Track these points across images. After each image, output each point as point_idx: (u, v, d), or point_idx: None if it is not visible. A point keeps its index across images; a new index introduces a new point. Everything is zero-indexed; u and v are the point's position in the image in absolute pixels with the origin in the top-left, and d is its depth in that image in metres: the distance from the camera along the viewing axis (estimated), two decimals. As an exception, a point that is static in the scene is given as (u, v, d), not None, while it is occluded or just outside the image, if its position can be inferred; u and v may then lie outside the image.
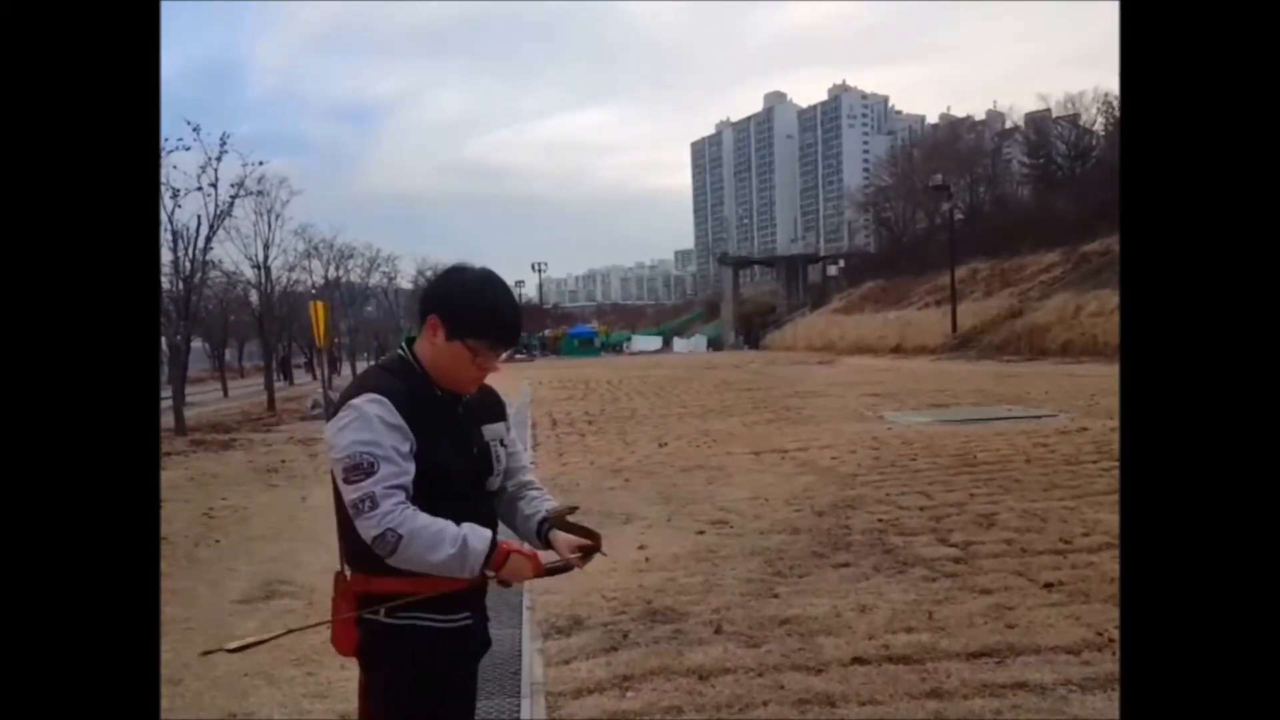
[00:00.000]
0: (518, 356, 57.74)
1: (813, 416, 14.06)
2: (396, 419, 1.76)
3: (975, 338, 35.50)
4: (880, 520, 6.42)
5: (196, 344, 22.81)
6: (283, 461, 10.89)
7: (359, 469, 1.72)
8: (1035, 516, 6.30)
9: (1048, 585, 4.66)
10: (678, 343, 67.53)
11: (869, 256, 66.17)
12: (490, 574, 1.76)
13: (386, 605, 1.80)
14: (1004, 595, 4.55)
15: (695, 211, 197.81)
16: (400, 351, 1.93)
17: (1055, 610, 4.25)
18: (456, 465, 1.86)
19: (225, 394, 25.33)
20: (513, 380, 31.13)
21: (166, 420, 14.26)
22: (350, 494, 1.72)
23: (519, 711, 3.43)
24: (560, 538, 1.98)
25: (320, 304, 4.28)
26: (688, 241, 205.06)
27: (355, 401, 1.78)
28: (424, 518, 1.72)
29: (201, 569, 6.03)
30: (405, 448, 1.76)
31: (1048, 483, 7.55)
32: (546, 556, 1.94)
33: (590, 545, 1.97)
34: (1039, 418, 12.51)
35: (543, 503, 2.05)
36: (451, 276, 1.94)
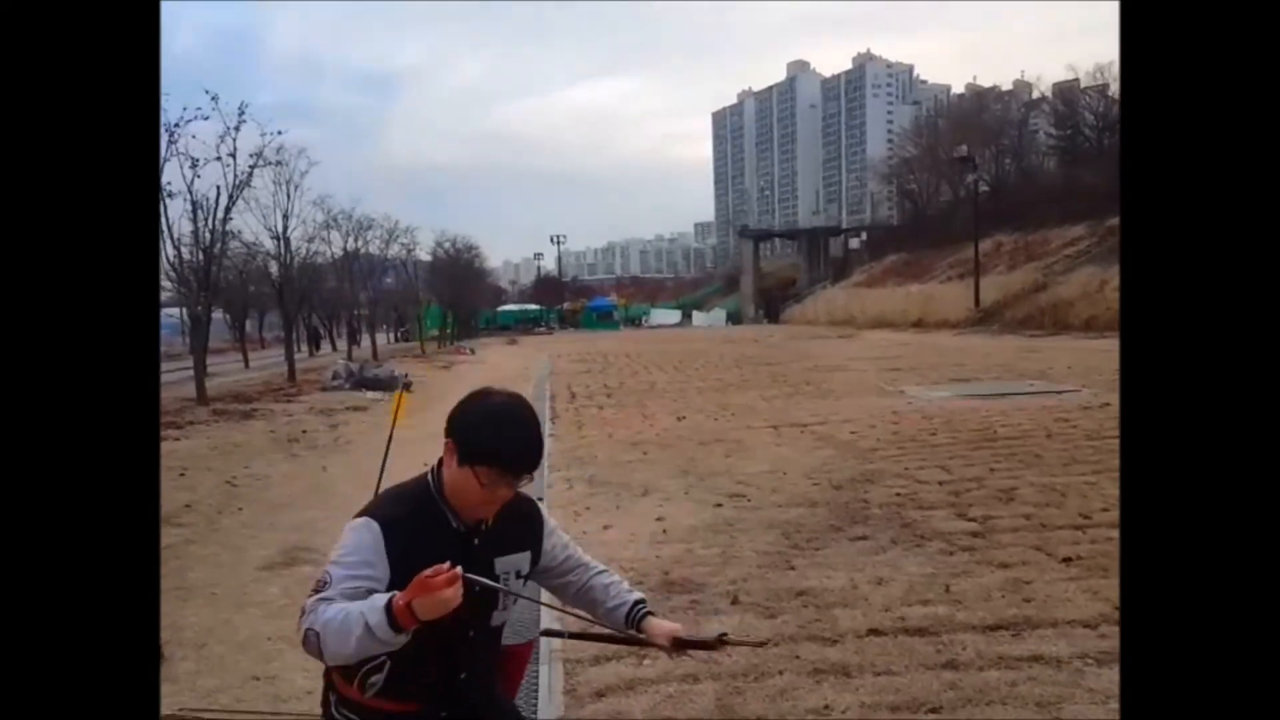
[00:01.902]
0: (537, 330, 57.97)
1: (832, 391, 14.00)
2: (375, 548, 1.77)
3: (998, 312, 35.12)
4: (898, 494, 6.41)
5: (217, 315, 23.00)
6: (304, 432, 11.01)
7: (318, 582, 1.75)
8: (1055, 491, 6.26)
9: (1066, 560, 4.64)
10: (697, 316, 67.40)
11: (891, 229, 65.40)
12: (405, 629, 1.68)
13: (336, 698, 1.88)
14: (1022, 569, 4.53)
15: (716, 183, 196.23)
16: (429, 474, 1.90)
17: (1073, 584, 4.23)
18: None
19: (246, 365, 25.61)
20: (532, 353, 31.22)
21: (188, 390, 14.45)
22: (306, 601, 1.75)
23: (538, 678, 3.47)
24: (655, 624, 1.96)
25: (403, 395, 4.38)
26: (708, 214, 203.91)
27: (354, 521, 1.80)
28: (332, 610, 1.69)
29: (225, 536, 6.14)
30: (368, 581, 1.74)
31: (1069, 458, 7.49)
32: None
33: (693, 642, 1.94)
34: (1061, 393, 12.39)
35: (622, 591, 2.03)
36: (469, 402, 1.89)
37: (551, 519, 2.08)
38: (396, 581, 1.73)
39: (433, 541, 1.81)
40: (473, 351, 33.93)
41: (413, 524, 1.81)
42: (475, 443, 1.80)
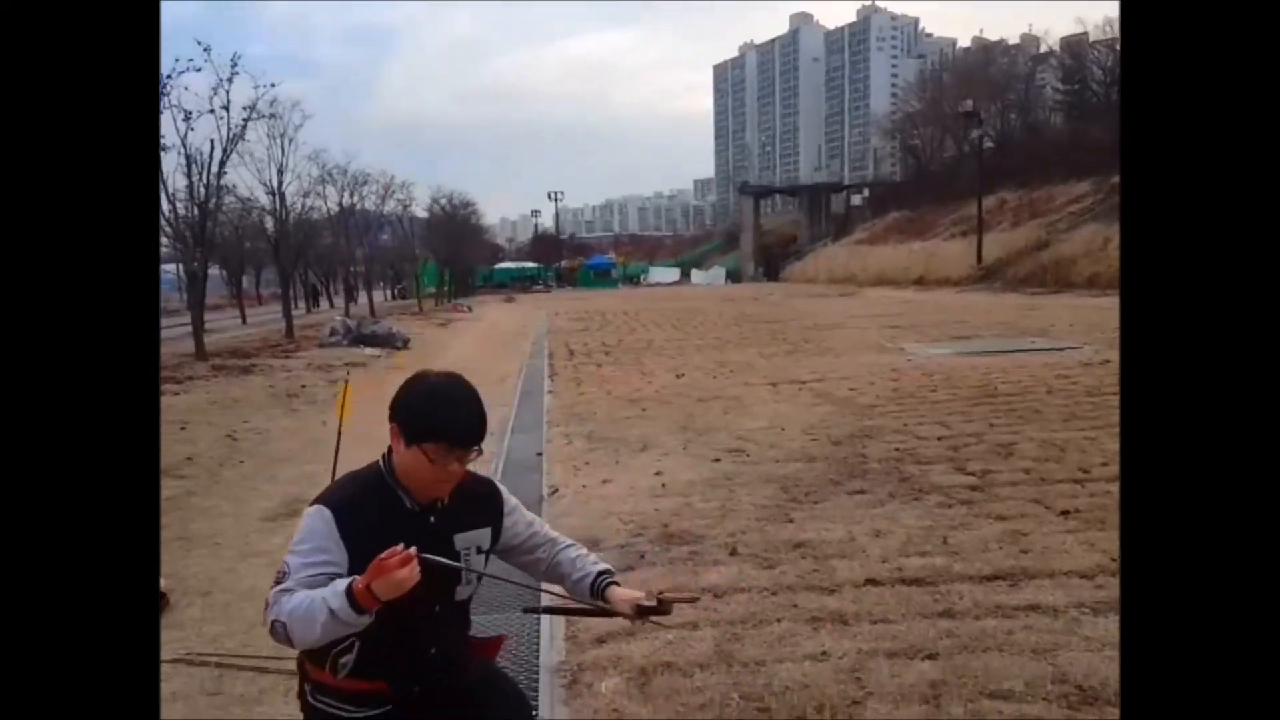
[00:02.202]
0: (535, 288, 57.76)
1: (832, 348, 13.99)
2: (329, 534, 1.81)
3: (1000, 270, 34.97)
4: (897, 449, 6.43)
5: (213, 271, 22.81)
6: (302, 387, 11.02)
7: (277, 574, 1.80)
8: (1055, 446, 6.28)
9: (1064, 513, 4.66)
10: (696, 274, 67.11)
11: (894, 186, 64.79)
12: (367, 610, 1.71)
13: (311, 686, 1.93)
14: (1020, 522, 4.56)
15: (716, 138, 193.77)
16: (381, 459, 1.94)
17: (1071, 536, 4.25)
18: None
19: (244, 321, 25.54)
20: (530, 311, 31.15)
21: (187, 345, 14.42)
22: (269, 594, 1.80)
23: (538, 624, 3.50)
24: (618, 593, 1.98)
25: (349, 386, 4.34)
26: (708, 170, 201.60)
27: (308, 509, 1.85)
28: (295, 599, 1.73)
29: (226, 488, 6.17)
30: (327, 567, 1.78)
31: (1068, 413, 7.50)
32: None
33: (654, 608, 1.92)
34: (1062, 350, 12.38)
35: (587, 563, 2.05)
36: (408, 383, 1.93)
37: (513, 498, 2.12)
38: (356, 564, 1.77)
39: (388, 523, 1.85)
40: (470, 309, 33.82)
41: (366, 507, 1.85)
42: (419, 422, 1.85)
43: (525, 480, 6.08)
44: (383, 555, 1.67)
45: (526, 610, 2.09)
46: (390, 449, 1.94)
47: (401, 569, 1.66)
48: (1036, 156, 44.47)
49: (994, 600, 3.54)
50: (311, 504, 1.86)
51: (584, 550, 2.10)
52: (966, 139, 49.53)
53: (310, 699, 1.97)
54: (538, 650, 3.28)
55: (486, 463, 6.78)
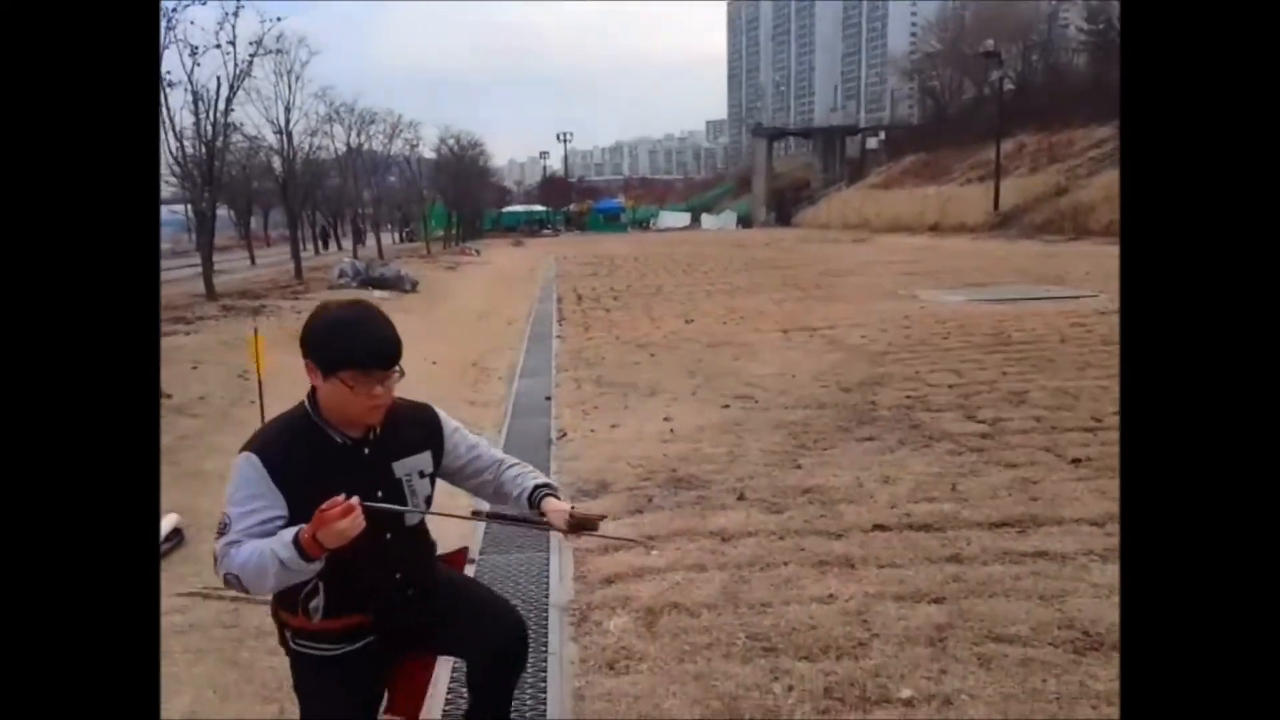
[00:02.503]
0: (543, 232, 57.32)
1: (844, 295, 13.87)
2: (259, 478, 1.80)
3: (1018, 216, 34.40)
4: (908, 397, 6.40)
5: (221, 212, 22.67)
6: (314, 328, 11.03)
7: (219, 526, 1.80)
8: (1067, 395, 6.24)
9: (1075, 461, 4.65)
10: (706, 219, 66.43)
11: (911, 128, 63.43)
12: (316, 558, 1.73)
13: (291, 632, 1.97)
14: (1030, 470, 4.55)
15: (729, 79, 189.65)
16: (305, 401, 1.92)
17: (1081, 484, 4.24)
18: None
19: (252, 262, 25.48)
20: (538, 256, 30.97)
21: (197, 286, 14.41)
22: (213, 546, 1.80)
23: (548, 565, 3.54)
24: (551, 504, 1.98)
25: (260, 337, 4.28)
26: (720, 111, 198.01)
27: (236, 459, 1.84)
28: (244, 552, 1.73)
29: (238, 428, 6.21)
30: (265, 511, 1.78)
31: (1082, 362, 7.44)
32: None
33: (583, 521, 1.96)
34: (1078, 298, 12.24)
35: (527, 478, 2.05)
36: (312, 317, 1.89)
37: (453, 421, 2.10)
38: (293, 505, 1.79)
39: (318, 461, 1.85)
40: (478, 253, 33.64)
41: (294, 448, 1.85)
42: (328, 352, 1.83)
43: (534, 424, 6.10)
44: (324, 506, 1.68)
45: (474, 515, 2.09)
46: (313, 388, 1.91)
47: (343, 519, 1.67)
48: (1058, 99, 43.31)
49: (1002, 546, 3.54)
50: (240, 451, 1.85)
51: (529, 468, 2.10)
52: (986, 80, 48.28)
53: (292, 645, 2.00)
54: (547, 590, 3.31)
55: (497, 405, 6.81)
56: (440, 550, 2.16)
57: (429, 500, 2.04)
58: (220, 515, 1.79)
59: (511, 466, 2.09)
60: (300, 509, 1.78)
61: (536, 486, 2.03)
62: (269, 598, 1.98)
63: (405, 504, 1.94)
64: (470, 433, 2.13)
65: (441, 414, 2.10)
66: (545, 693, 2.58)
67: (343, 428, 1.91)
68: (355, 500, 1.70)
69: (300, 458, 1.84)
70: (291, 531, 1.73)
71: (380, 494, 1.91)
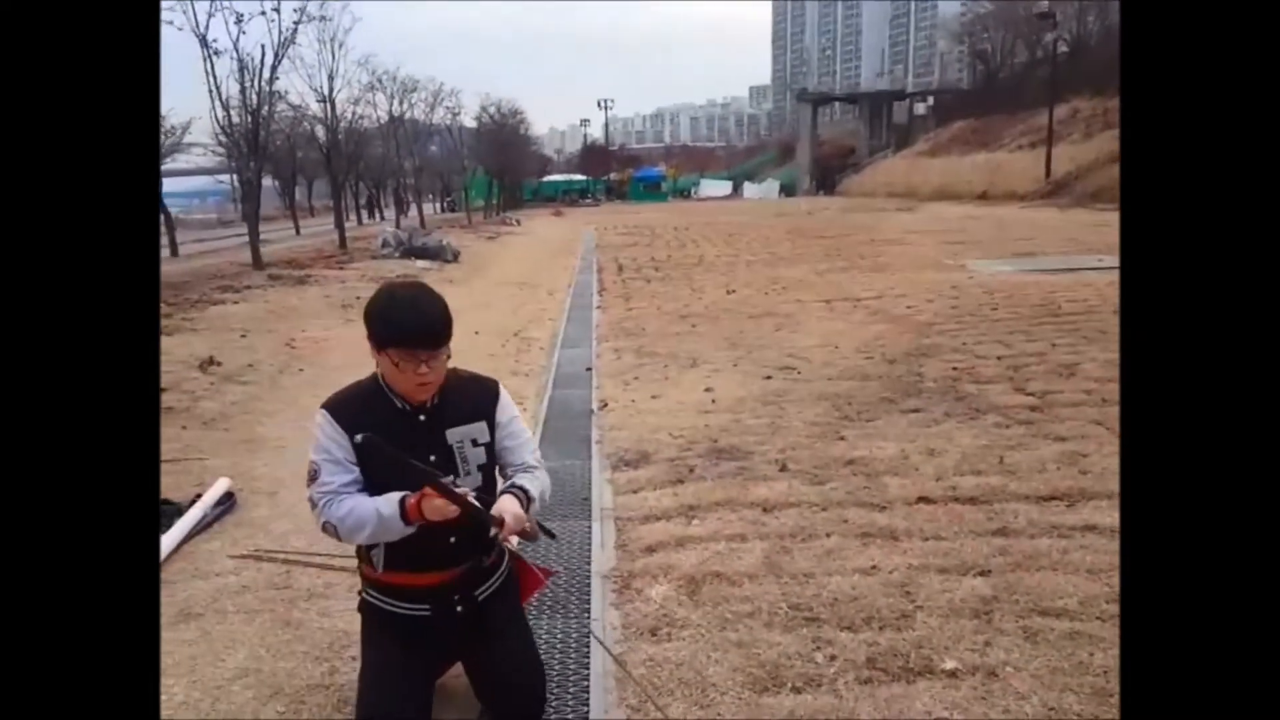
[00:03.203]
0: (583, 201, 57.17)
1: (889, 265, 13.64)
2: (334, 430, 2.07)
3: (1069, 184, 33.37)
4: (955, 368, 6.29)
5: (266, 182, 22.99)
6: (357, 298, 11.18)
7: (309, 475, 2.09)
8: (1119, 368, 6.06)
9: (1127, 435, 4.53)
10: (749, 188, 65.61)
11: (960, 93, 61.63)
12: (413, 522, 1.99)
13: (364, 583, 2.26)
14: (1079, 443, 4.45)
15: (773, 42, 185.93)
16: (377, 370, 2.14)
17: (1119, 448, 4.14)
18: (400, 475, 2.00)
19: (297, 232, 25.88)
20: (578, 226, 30.94)
21: (244, 255, 14.71)
22: (306, 494, 2.10)
23: (589, 534, 3.58)
24: (502, 500, 2.09)
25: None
26: (764, 77, 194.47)
27: (316, 416, 2.12)
28: (346, 505, 2.02)
29: (287, 394, 6.36)
30: (340, 454, 2.06)
31: (1135, 334, 7.22)
32: (512, 509, 2.07)
33: (522, 531, 2.07)
34: (1119, 267, 11.86)
35: (520, 477, 2.19)
36: (374, 296, 2.10)
37: (513, 408, 2.28)
38: (360, 456, 2.06)
39: (380, 421, 2.05)
40: (518, 223, 33.72)
41: (359, 407, 2.10)
42: (377, 329, 2.03)
43: (575, 395, 6.13)
44: (434, 490, 1.93)
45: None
46: None
47: (445, 499, 1.93)
48: (1114, 63, 41.67)
49: (1050, 520, 3.49)
50: (320, 408, 2.12)
51: (539, 475, 2.22)
52: (1039, 43, 46.67)
53: (364, 594, 2.26)
54: (589, 558, 3.35)
55: (538, 377, 6.86)
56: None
57: (482, 468, 2.19)
58: (309, 464, 2.08)
59: (525, 471, 2.23)
60: (365, 461, 2.05)
61: (512, 484, 2.17)
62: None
63: (456, 469, 2.13)
64: (523, 429, 2.29)
65: (504, 395, 2.28)
66: (589, 657, 2.61)
67: (402, 396, 2.11)
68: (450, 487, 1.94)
69: (365, 418, 2.05)
70: (399, 495, 1.99)
71: (433, 458, 2.10)
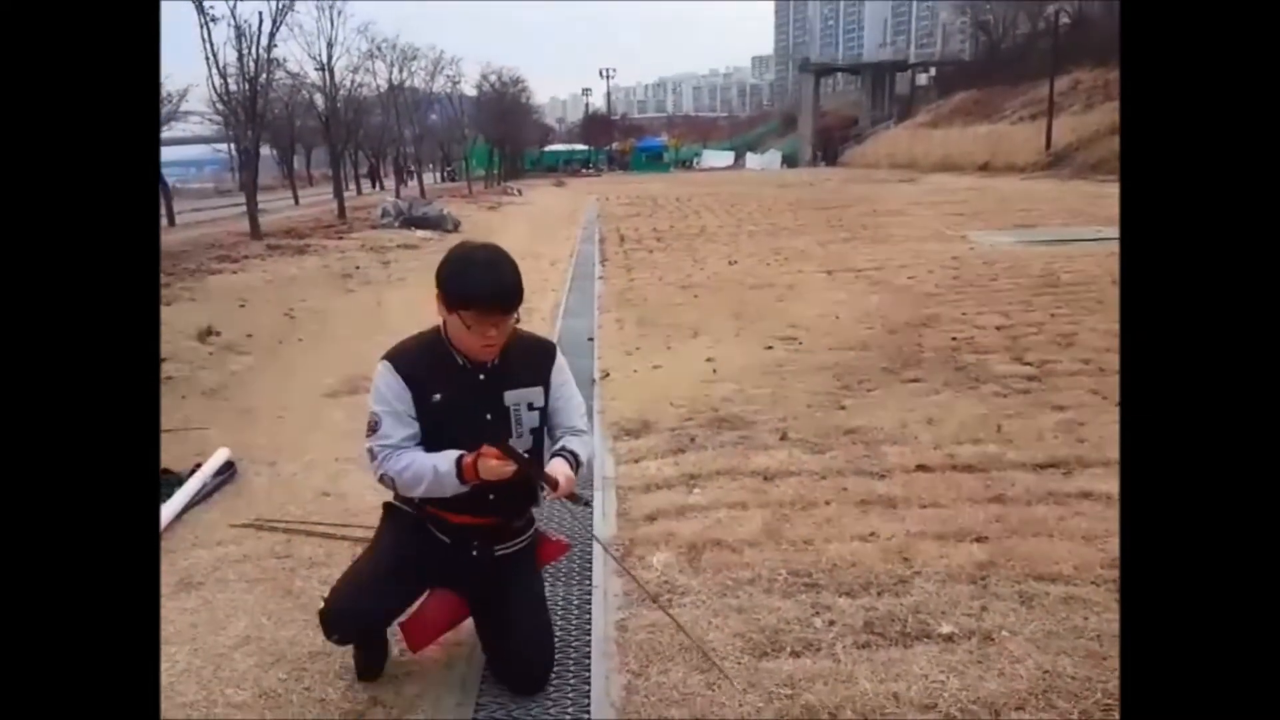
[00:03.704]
0: (585, 171, 56.76)
1: (890, 235, 13.58)
2: (395, 382, 2.09)
3: (1070, 155, 33.10)
4: (955, 339, 6.30)
5: (265, 151, 22.78)
6: (356, 267, 11.15)
7: (368, 427, 2.12)
8: (1117, 337, 6.06)
9: (1126, 405, 4.55)
10: (751, 158, 65.09)
11: (963, 65, 60.95)
12: (468, 481, 2.05)
13: (396, 497, 2.29)
14: (1077, 412, 4.47)
15: (776, 12, 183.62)
16: (442, 323, 2.16)
17: (1119, 424, 4.15)
18: (460, 431, 2.08)
19: (296, 201, 25.66)
20: (580, 196, 30.75)
21: (242, 225, 14.62)
22: (365, 444, 2.14)
23: (591, 503, 3.59)
24: (554, 463, 2.17)
25: None
26: (767, 47, 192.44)
27: (377, 366, 2.15)
28: (405, 459, 2.06)
29: (287, 364, 6.36)
30: (401, 406, 2.09)
31: (1136, 305, 7.21)
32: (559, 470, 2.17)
33: (554, 487, 2.13)
34: (1119, 239, 11.81)
35: (568, 440, 2.25)
36: (449, 255, 2.11)
37: (567, 372, 2.31)
38: (418, 404, 2.09)
39: (441, 376, 2.10)
40: (520, 193, 33.50)
41: (422, 361, 2.12)
42: (452, 289, 2.04)
43: (577, 364, 6.08)
44: (492, 451, 1.99)
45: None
46: None
47: (501, 462, 2.00)
48: (1115, 34, 41.06)
49: (1047, 487, 3.51)
50: (380, 359, 2.14)
51: (585, 439, 2.29)
52: (1042, 14, 46.04)
53: (392, 501, 2.31)
54: (590, 526, 3.37)
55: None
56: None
57: (534, 432, 2.24)
58: (369, 415, 2.12)
59: (572, 434, 2.28)
60: (423, 413, 2.09)
61: (562, 447, 2.23)
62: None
63: (510, 430, 2.18)
64: (574, 392, 2.33)
65: (560, 357, 2.31)
66: (590, 623, 2.64)
67: (464, 354, 2.13)
68: (505, 453, 2.01)
69: (426, 371, 2.10)
70: (456, 453, 2.04)
71: (489, 417, 2.15)
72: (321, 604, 2.27)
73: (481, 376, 2.14)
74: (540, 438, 2.26)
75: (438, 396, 2.10)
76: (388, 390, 2.09)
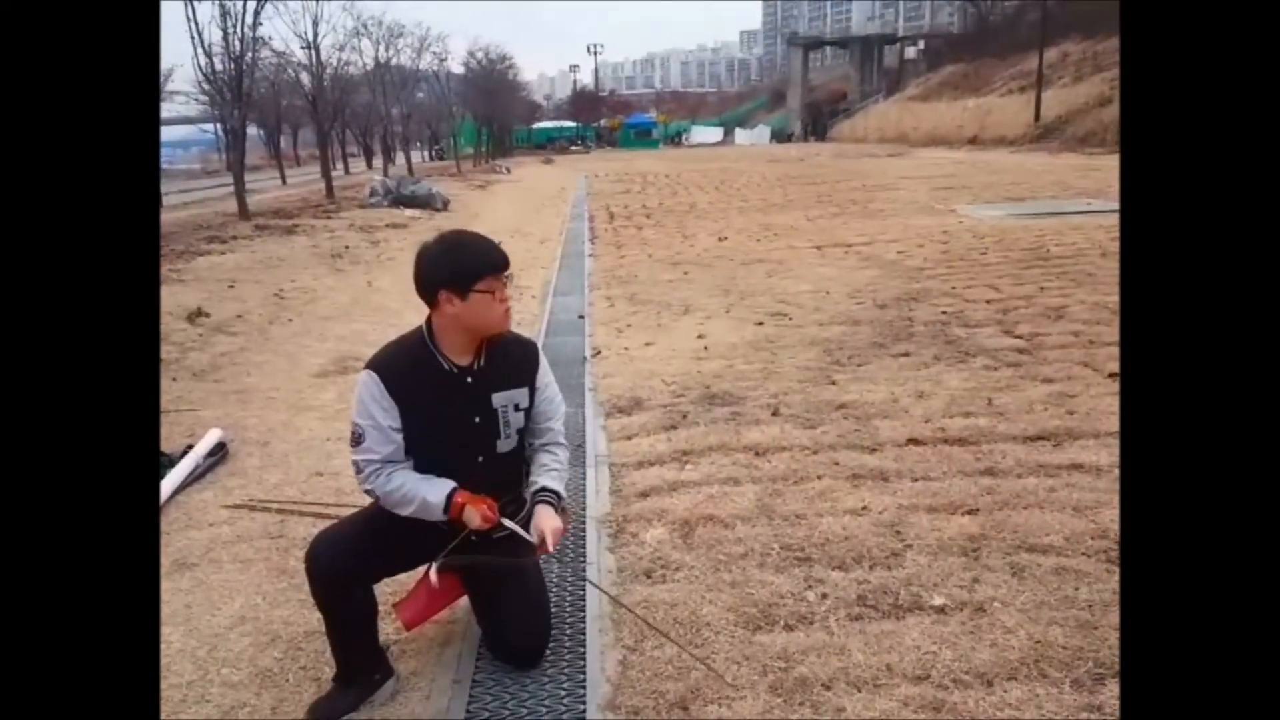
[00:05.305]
0: (573, 149, 56.38)
1: (880, 210, 13.56)
2: (381, 394, 2.05)
3: (1059, 128, 33.06)
4: (944, 313, 6.31)
5: (251, 131, 22.49)
6: (346, 247, 11.07)
7: (352, 438, 2.10)
8: (1106, 309, 6.11)
9: (1113, 375, 4.58)
10: (740, 134, 64.82)
11: (952, 38, 60.58)
12: (452, 519, 2.09)
13: None
14: (1067, 384, 4.49)
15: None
16: (422, 329, 2.14)
17: (1118, 399, 4.18)
18: (447, 435, 2.11)
19: (283, 181, 25.45)
20: (568, 174, 30.55)
21: (230, 205, 14.48)
22: (351, 455, 2.13)
23: (584, 480, 3.61)
24: (539, 513, 2.17)
25: None
26: (754, 21, 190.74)
27: (360, 375, 2.10)
28: (395, 480, 2.07)
29: (277, 345, 6.33)
30: (386, 420, 2.06)
31: (1125, 278, 7.24)
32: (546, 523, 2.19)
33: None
34: (1119, 211, 11.84)
35: (546, 475, 2.25)
36: (433, 250, 2.09)
37: (549, 374, 2.32)
38: (405, 417, 2.08)
39: (428, 383, 2.09)
40: (508, 171, 33.25)
41: (408, 368, 2.10)
42: (464, 269, 2.04)
43: (568, 342, 6.13)
44: (479, 503, 2.07)
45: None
46: (429, 317, 2.13)
47: (484, 513, 2.07)
48: (1103, 6, 40.92)
49: (1037, 459, 3.54)
50: (361, 372, 2.11)
51: (557, 465, 2.29)
52: (1033, -16, 45.70)
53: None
54: (584, 503, 3.38)
55: (531, 325, 6.84)
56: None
57: (520, 432, 2.25)
58: (352, 425, 2.10)
59: (549, 450, 2.29)
60: (410, 421, 2.08)
61: (543, 488, 2.22)
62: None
63: (498, 431, 2.20)
64: (556, 392, 2.33)
65: (543, 360, 2.31)
66: (584, 599, 2.66)
67: (452, 355, 2.12)
68: (495, 513, 2.10)
69: (412, 379, 2.08)
70: (449, 489, 2.08)
71: (478, 419, 2.15)
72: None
73: (469, 380, 2.13)
74: (523, 438, 2.27)
75: (426, 402, 2.08)
76: (373, 404, 2.05)
